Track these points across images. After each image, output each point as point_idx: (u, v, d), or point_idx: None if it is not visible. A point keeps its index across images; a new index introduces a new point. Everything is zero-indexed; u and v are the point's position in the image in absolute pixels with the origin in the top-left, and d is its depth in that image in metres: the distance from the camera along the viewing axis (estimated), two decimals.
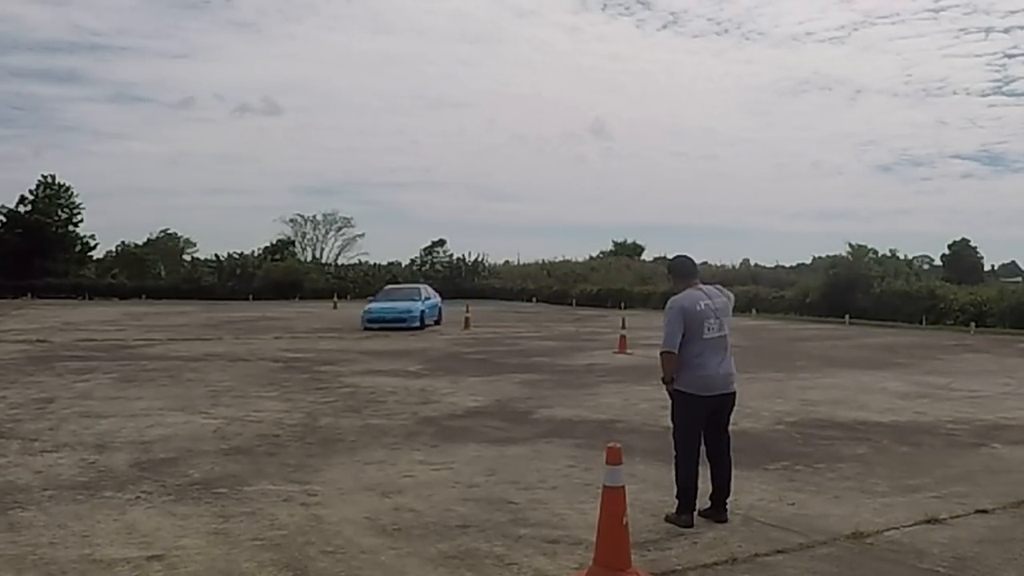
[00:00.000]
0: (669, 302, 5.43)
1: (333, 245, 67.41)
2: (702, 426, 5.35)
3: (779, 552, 4.77)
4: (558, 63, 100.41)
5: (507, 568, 4.53)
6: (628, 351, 17.52)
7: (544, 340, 21.10)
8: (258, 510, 5.58)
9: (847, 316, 29.63)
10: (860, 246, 38.11)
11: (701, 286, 5.44)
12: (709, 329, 5.26)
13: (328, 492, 6.07)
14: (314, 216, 66.87)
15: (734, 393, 5.49)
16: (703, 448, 5.42)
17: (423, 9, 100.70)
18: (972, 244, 56.56)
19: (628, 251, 60.88)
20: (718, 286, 5.58)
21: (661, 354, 5.35)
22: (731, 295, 5.60)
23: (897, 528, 5.24)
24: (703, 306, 5.28)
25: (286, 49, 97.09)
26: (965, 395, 11.88)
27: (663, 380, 5.41)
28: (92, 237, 55.79)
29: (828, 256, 40.24)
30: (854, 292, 31.68)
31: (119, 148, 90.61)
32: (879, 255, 38.78)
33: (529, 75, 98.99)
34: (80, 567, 4.48)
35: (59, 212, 53.49)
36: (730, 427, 5.61)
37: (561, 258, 58.12)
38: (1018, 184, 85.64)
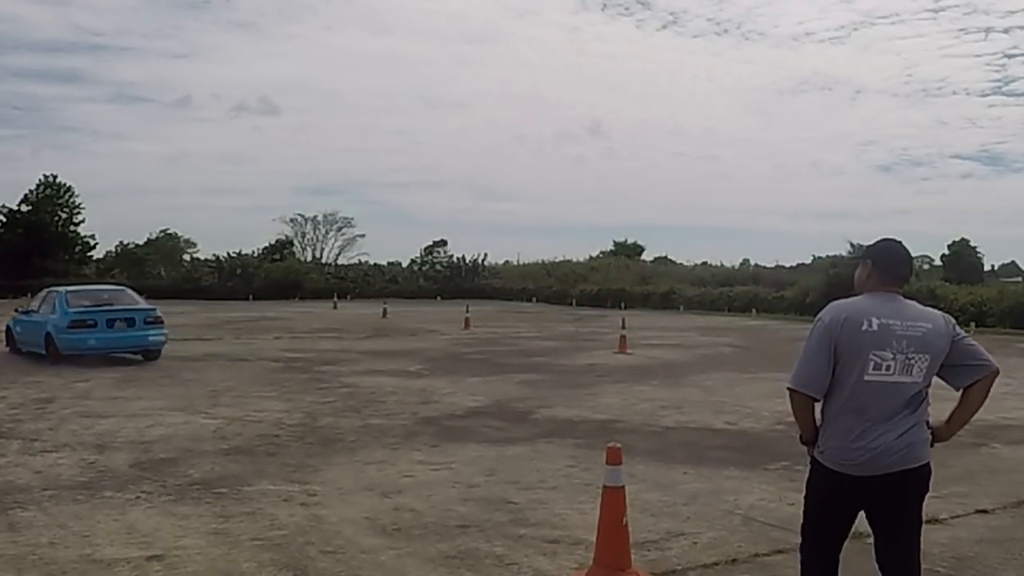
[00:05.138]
0: (821, 312, 3.39)
1: (333, 245, 67.52)
2: (846, 520, 3.37)
3: (779, 552, 4.77)
4: (558, 63, 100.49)
5: (507, 568, 4.53)
6: (628, 351, 17.51)
7: (544, 340, 21.09)
8: (258, 510, 5.58)
9: None
10: (860, 246, 38.17)
11: (898, 297, 3.31)
12: (880, 367, 3.15)
13: (328, 492, 6.07)
14: (314, 216, 66.96)
15: (916, 471, 3.27)
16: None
17: (423, 9, 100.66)
18: (972, 244, 56.47)
19: (628, 251, 60.85)
20: (935, 310, 3.42)
21: (788, 392, 3.30)
22: (949, 322, 3.32)
23: None
24: (876, 326, 3.17)
25: (286, 49, 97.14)
26: None
27: (801, 439, 3.44)
28: (92, 237, 55.83)
29: (828, 256, 40.30)
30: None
31: (119, 148, 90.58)
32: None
33: (529, 75, 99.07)
34: (80, 567, 4.48)
35: (59, 212, 53.50)
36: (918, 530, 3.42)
37: (561, 258, 58.12)
38: (1018, 184, 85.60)
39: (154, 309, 16.10)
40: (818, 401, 3.27)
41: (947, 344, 3.25)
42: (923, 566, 4.34)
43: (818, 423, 3.31)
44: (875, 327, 3.17)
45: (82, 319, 14.99)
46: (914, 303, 3.34)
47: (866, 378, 3.15)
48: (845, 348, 3.17)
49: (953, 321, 3.36)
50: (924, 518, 4.65)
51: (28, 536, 4.98)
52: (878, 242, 3.50)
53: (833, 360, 3.19)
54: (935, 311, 3.37)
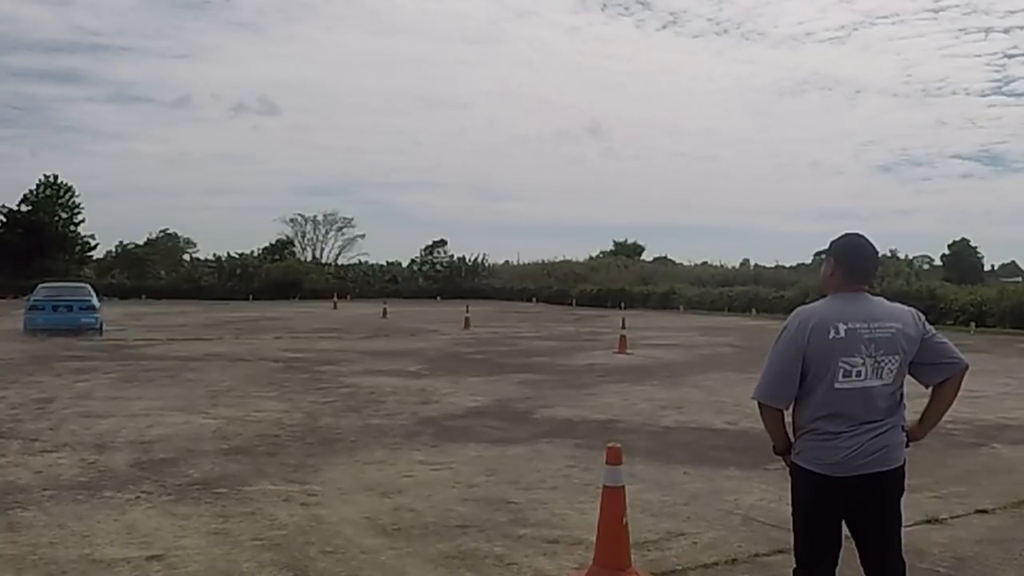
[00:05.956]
0: (787, 319, 3.27)
1: (333, 245, 67.39)
2: (833, 524, 3.27)
3: (779, 552, 4.76)
4: (558, 63, 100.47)
5: (507, 568, 4.53)
6: (628, 351, 17.52)
7: (544, 340, 21.10)
8: (258, 510, 5.58)
9: None
10: None
11: (865, 295, 3.21)
12: (850, 374, 3.08)
13: (328, 492, 6.07)
14: (314, 216, 66.83)
15: (891, 473, 3.17)
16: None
17: (423, 9, 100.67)
18: (972, 244, 56.64)
19: (628, 251, 60.96)
20: (903, 306, 3.27)
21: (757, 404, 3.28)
22: (918, 320, 3.23)
23: None
24: (844, 332, 3.08)
25: (286, 49, 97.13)
26: (965, 395, 11.80)
27: (774, 450, 3.38)
28: (92, 237, 55.85)
29: None
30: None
31: (119, 148, 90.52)
32: (879, 255, 38.85)
33: (529, 75, 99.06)
34: (80, 567, 4.47)
35: (59, 212, 53.50)
36: (900, 539, 3.33)
37: (561, 258, 58.17)
38: (1018, 184, 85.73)
39: (89, 300, 21.70)
40: (776, 410, 3.24)
41: (917, 342, 3.18)
42: (923, 566, 4.35)
43: (793, 429, 3.27)
44: (842, 333, 3.07)
45: (35, 304, 21.24)
46: (881, 300, 3.24)
47: (836, 386, 3.09)
48: (814, 358, 3.09)
49: (923, 318, 3.27)
50: (925, 518, 4.69)
51: (28, 536, 4.98)
52: (840, 237, 3.34)
53: (802, 370, 3.12)
54: (903, 308, 3.25)
